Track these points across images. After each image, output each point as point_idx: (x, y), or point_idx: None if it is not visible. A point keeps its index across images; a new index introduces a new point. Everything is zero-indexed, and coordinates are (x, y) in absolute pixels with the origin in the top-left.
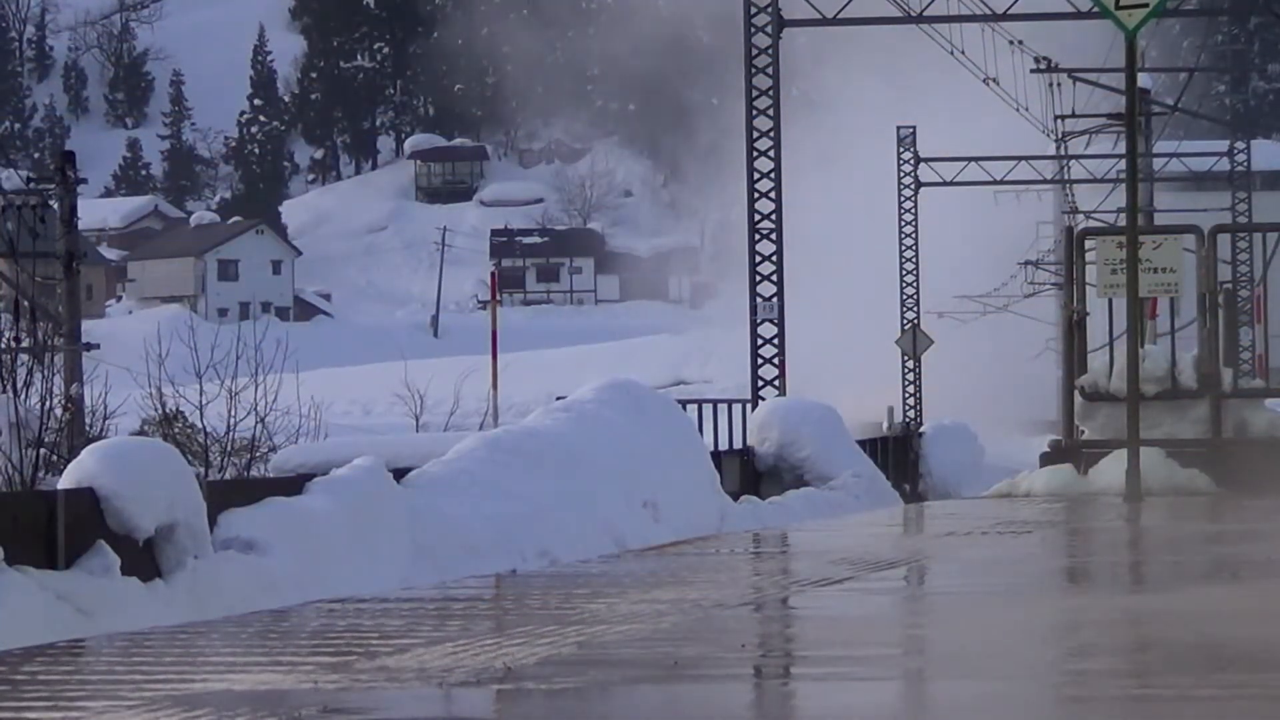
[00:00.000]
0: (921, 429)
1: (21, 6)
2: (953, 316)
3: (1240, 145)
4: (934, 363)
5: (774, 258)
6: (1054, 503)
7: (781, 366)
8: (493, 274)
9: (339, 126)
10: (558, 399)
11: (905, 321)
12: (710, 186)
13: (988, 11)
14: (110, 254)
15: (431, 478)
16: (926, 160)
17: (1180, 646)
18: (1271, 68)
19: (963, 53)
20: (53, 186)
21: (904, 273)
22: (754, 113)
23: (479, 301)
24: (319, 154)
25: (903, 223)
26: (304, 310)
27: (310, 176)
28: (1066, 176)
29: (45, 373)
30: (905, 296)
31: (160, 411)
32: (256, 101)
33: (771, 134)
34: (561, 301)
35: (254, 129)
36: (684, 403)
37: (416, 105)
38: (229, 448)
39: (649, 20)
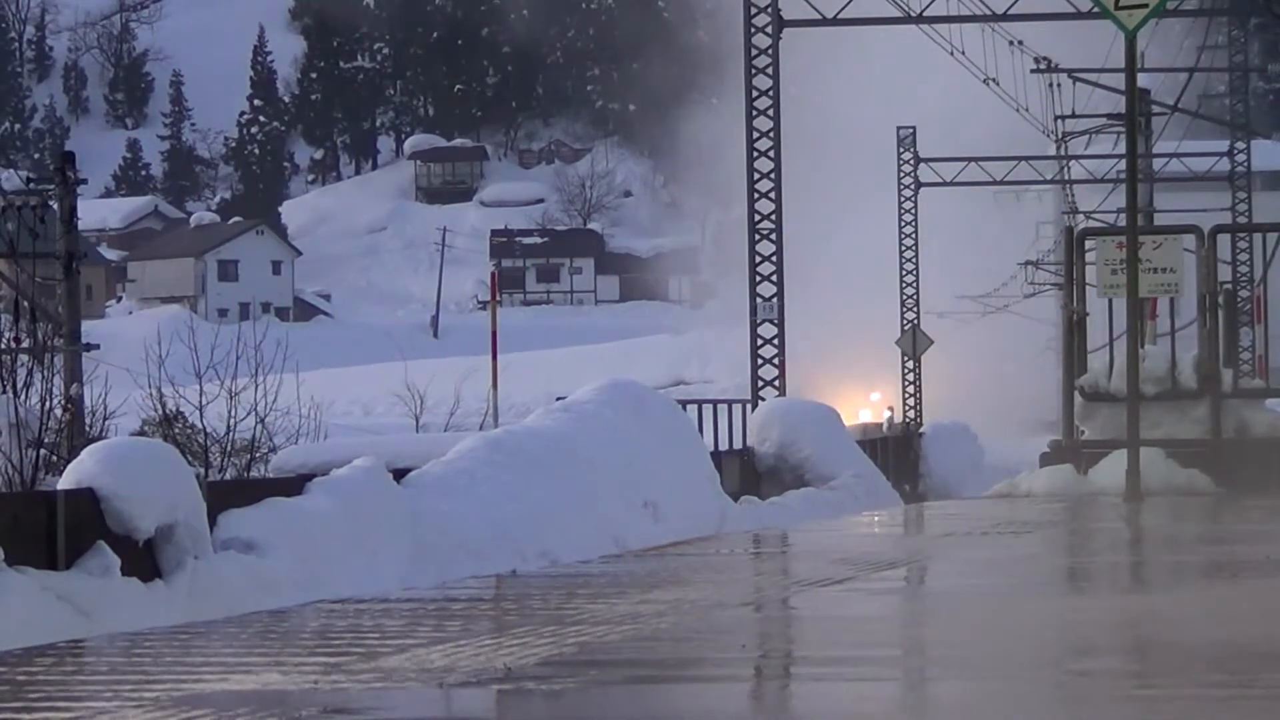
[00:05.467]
0: (921, 429)
1: (21, 7)
2: (953, 317)
3: (1240, 145)
4: (934, 363)
5: (774, 258)
6: (1054, 503)
7: (781, 367)
8: (493, 274)
9: (339, 127)
10: (558, 399)
11: (905, 322)
12: (710, 187)
13: (988, 12)
14: (110, 254)
15: (432, 478)
16: (926, 160)
17: (1180, 646)
18: (1271, 68)
19: (963, 53)
20: (52, 187)
21: (904, 273)
22: (754, 113)
23: (479, 302)
24: (319, 154)
25: (903, 223)
26: (304, 311)
27: (310, 177)
28: (1066, 177)
29: (45, 373)
30: (905, 297)
31: (160, 412)
32: (256, 102)
33: (771, 134)
34: (561, 302)
35: (254, 129)
36: (684, 403)
37: (416, 105)
38: (229, 448)
39: (649, 20)
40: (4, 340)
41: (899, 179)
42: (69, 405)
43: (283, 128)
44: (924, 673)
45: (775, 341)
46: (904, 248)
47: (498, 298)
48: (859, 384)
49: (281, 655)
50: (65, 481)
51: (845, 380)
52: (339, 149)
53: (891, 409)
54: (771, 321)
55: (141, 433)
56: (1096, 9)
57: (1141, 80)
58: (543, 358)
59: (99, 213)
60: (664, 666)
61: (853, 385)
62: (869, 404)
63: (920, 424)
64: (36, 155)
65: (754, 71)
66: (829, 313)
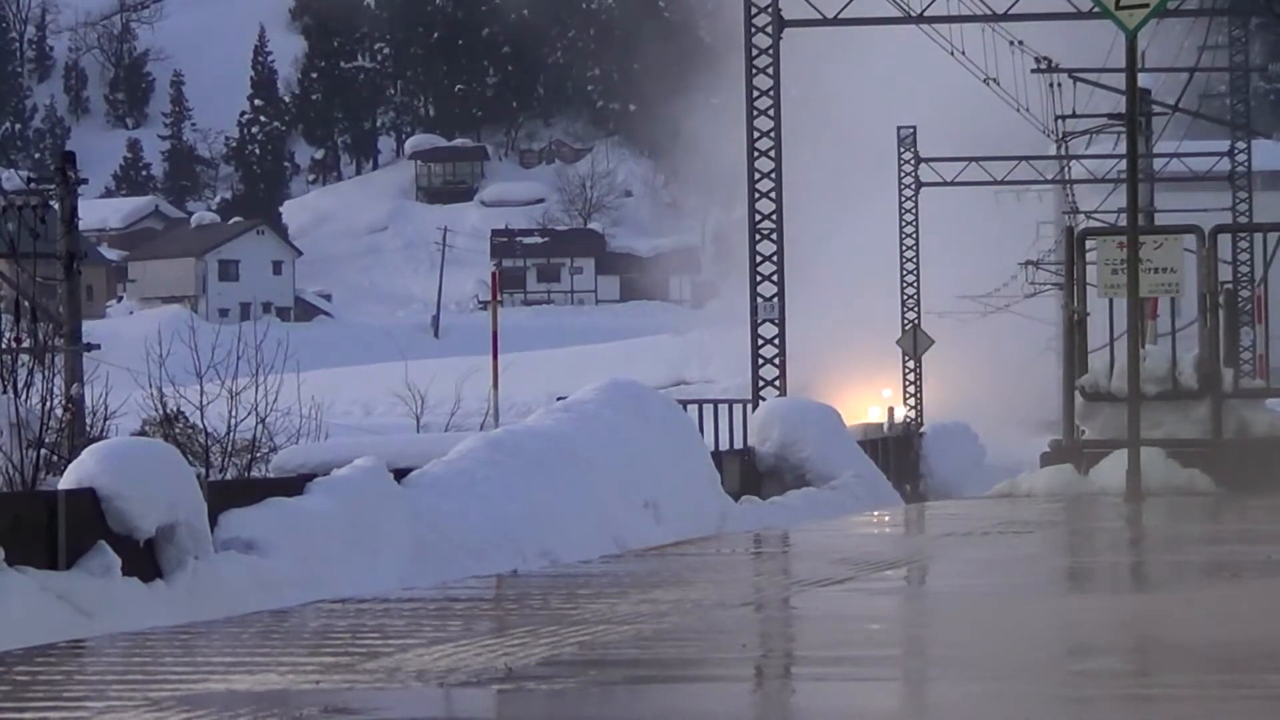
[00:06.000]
0: (922, 429)
1: (22, 7)
2: (954, 316)
3: (1241, 145)
4: (935, 363)
5: (774, 258)
6: (1054, 503)
7: (782, 367)
8: (493, 274)
9: (339, 127)
10: (559, 399)
11: (906, 321)
12: (711, 187)
13: (988, 12)
14: (111, 254)
15: (432, 478)
16: (927, 160)
17: (1181, 646)
18: (1272, 68)
19: (963, 53)
20: (53, 187)
21: (905, 273)
22: (754, 113)
23: (480, 302)
24: (319, 154)
25: (903, 223)
26: (305, 310)
27: (311, 177)
28: (1067, 176)
29: (46, 373)
30: (906, 296)
31: (161, 412)
32: (257, 102)
33: (772, 134)
34: (562, 302)
35: (254, 129)
36: (685, 403)
37: (417, 105)
38: (230, 448)
39: (650, 20)
40: (5, 340)
41: (899, 179)
42: (70, 405)
43: (283, 127)
44: (924, 673)
45: (776, 341)
46: (904, 247)
47: (498, 297)
48: (865, 382)
49: (282, 655)
50: (66, 481)
51: (852, 379)
52: (339, 149)
53: (893, 409)
54: (772, 321)
55: (142, 433)
56: (1097, 9)
57: (1142, 80)
58: (543, 358)
59: (100, 213)
60: (665, 666)
61: (859, 383)
62: (880, 400)
63: (921, 424)
64: (37, 155)
65: (754, 71)
66: (832, 312)
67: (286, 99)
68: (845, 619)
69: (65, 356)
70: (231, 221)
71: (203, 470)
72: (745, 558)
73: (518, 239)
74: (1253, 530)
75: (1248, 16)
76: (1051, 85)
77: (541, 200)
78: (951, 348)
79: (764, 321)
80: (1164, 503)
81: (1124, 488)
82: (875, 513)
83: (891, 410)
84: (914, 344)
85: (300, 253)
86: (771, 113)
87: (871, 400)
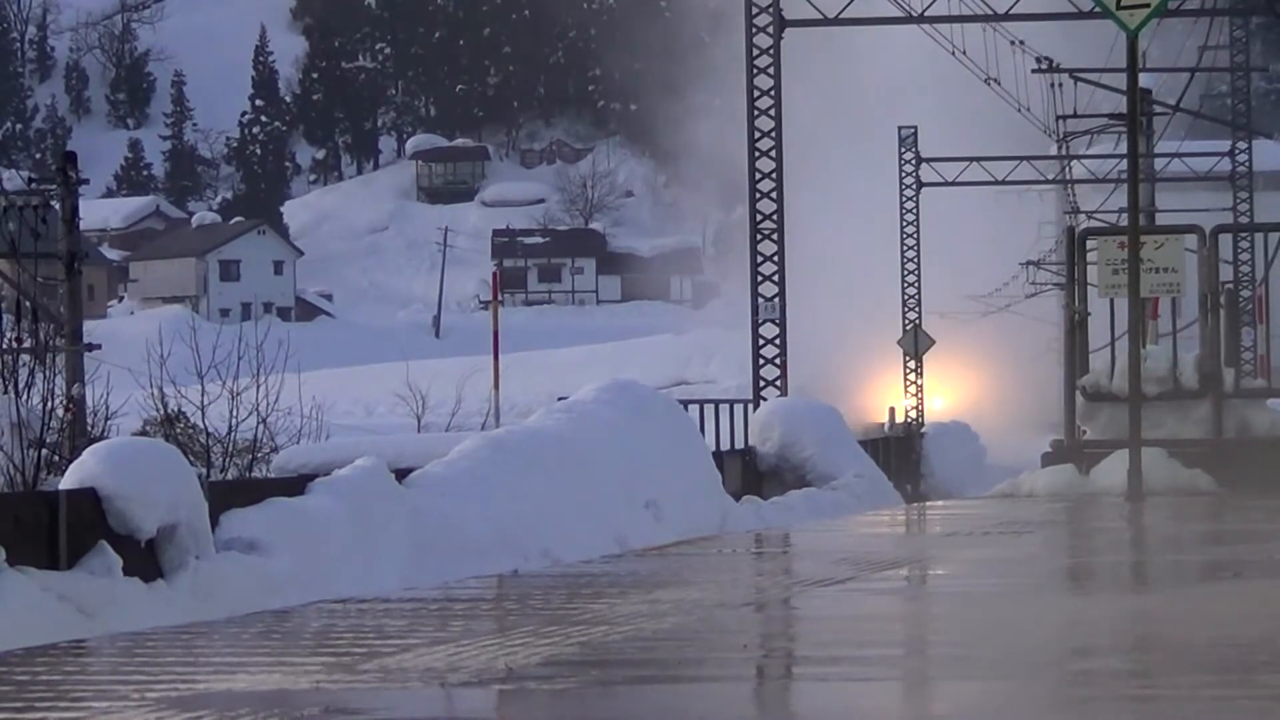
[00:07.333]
0: (923, 429)
1: (23, 7)
2: (955, 316)
3: (1242, 145)
4: (936, 363)
5: (775, 258)
6: (1056, 503)
7: (783, 367)
8: (494, 274)
9: (340, 127)
10: (559, 399)
11: (907, 321)
12: (712, 187)
13: (989, 11)
14: (112, 254)
15: (433, 478)
16: (928, 160)
17: (1182, 647)
18: (1273, 67)
19: (964, 53)
20: (54, 187)
21: (905, 273)
22: (755, 113)
23: (480, 302)
24: (320, 154)
25: (904, 223)
26: (306, 311)
27: (312, 177)
28: (1068, 177)
29: (47, 373)
30: (907, 297)
31: (162, 412)
32: (258, 102)
33: (773, 134)
34: (563, 302)
35: (255, 129)
36: (686, 403)
37: (418, 105)
38: (231, 448)
39: (651, 20)
40: (6, 340)
41: (900, 179)
42: (71, 405)
43: (284, 127)
44: (925, 673)
45: (777, 341)
46: (905, 247)
47: (499, 297)
48: (867, 382)
49: (283, 655)
50: (67, 481)
51: (854, 378)
52: (340, 149)
53: (893, 409)
54: (773, 321)
55: (143, 433)
56: (1098, 9)
57: (1143, 80)
58: (544, 357)
59: (101, 213)
60: (666, 666)
61: (862, 383)
62: (904, 393)
63: (922, 424)
64: (38, 155)
65: (755, 71)
66: (834, 312)
67: (287, 99)
68: (846, 619)
69: (66, 356)
70: (232, 221)
71: (204, 470)
72: (746, 558)
73: (518, 239)
74: (1254, 530)
75: (1249, 16)
76: (1052, 85)
77: (542, 200)
78: (952, 348)
79: (765, 321)
80: (1165, 503)
81: (1125, 488)
82: (876, 513)
83: (892, 410)
84: (915, 344)
85: (301, 253)
86: (772, 113)
87: (892, 396)
